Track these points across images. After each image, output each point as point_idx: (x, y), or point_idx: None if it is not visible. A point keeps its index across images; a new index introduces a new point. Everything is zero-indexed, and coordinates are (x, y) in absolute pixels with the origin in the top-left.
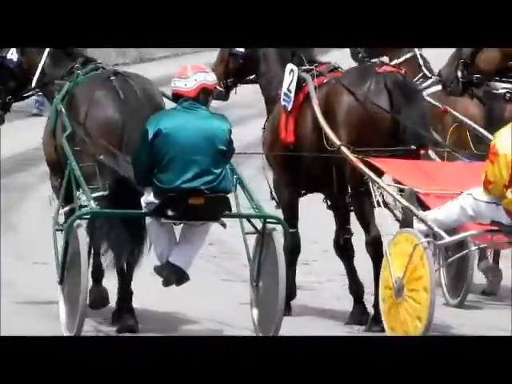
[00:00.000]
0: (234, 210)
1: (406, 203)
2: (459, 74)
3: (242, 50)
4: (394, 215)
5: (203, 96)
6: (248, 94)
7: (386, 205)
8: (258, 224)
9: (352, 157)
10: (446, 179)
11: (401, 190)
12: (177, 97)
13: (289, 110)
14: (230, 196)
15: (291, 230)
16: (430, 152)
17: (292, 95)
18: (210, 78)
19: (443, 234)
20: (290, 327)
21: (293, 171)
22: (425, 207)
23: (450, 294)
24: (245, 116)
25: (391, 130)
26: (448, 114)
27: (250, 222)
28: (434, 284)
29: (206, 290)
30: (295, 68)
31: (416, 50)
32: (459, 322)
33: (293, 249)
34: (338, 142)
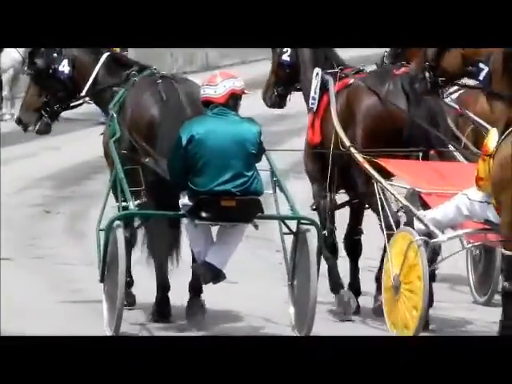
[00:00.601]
0: (273, 211)
1: (405, 202)
2: (426, 74)
3: (288, 59)
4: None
5: (232, 101)
6: None
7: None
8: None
9: (359, 157)
10: (453, 179)
11: None
12: (207, 103)
13: (314, 111)
14: (271, 197)
15: (326, 231)
16: (457, 154)
17: (317, 97)
18: (238, 84)
19: (438, 232)
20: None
21: (323, 172)
22: (427, 207)
23: (477, 292)
24: None
25: (408, 130)
26: (464, 116)
27: (284, 223)
28: (427, 274)
29: (274, 296)
30: (319, 71)
31: None
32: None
33: (332, 250)
34: (347, 143)
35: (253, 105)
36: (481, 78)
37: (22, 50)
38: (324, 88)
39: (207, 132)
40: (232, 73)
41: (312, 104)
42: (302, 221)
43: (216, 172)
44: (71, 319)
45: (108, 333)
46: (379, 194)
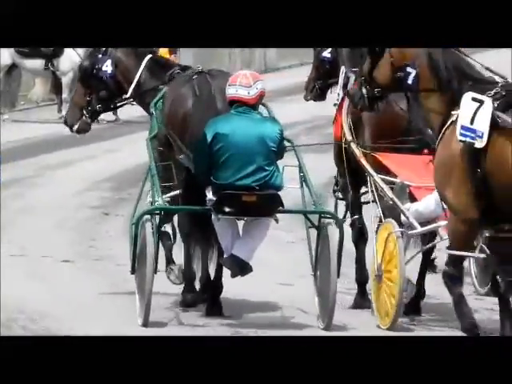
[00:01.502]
0: (300, 205)
1: (391, 195)
2: (363, 90)
3: (328, 55)
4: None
5: (259, 102)
6: None
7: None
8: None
9: (357, 151)
10: None
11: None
12: (235, 102)
13: (337, 107)
14: (296, 192)
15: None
16: None
17: (341, 93)
18: (264, 86)
19: (416, 224)
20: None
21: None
22: (416, 200)
23: (479, 283)
24: None
25: (408, 129)
26: None
27: (306, 217)
28: (403, 263)
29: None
30: (344, 69)
31: None
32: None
33: (359, 238)
34: (349, 138)
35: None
36: (409, 81)
37: (81, 52)
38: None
39: (231, 129)
40: (258, 74)
41: (337, 100)
42: (324, 215)
43: (237, 167)
44: (130, 319)
45: (139, 322)
46: (371, 187)
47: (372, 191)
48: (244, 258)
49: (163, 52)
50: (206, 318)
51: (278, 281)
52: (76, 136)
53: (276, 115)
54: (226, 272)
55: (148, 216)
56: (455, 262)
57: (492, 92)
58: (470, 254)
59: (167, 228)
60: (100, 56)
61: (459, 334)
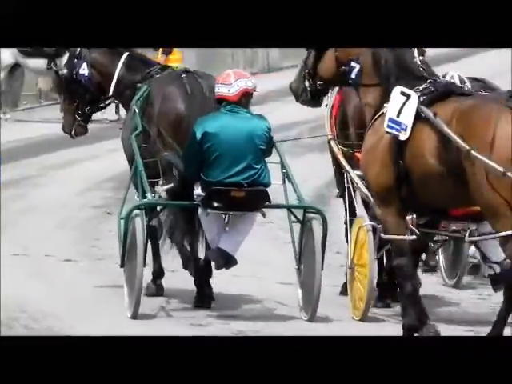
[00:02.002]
0: (282, 201)
1: (364, 191)
2: (306, 84)
3: None
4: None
5: (245, 99)
6: None
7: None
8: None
9: (336, 149)
10: None
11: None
12: (221, 101)
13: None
14: (280, 187)
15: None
16: None
17: (334, 94)
18: (250, 83)
19: None
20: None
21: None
22: None
23: (447, 276)
24: None
25: None
26: None
27: (291, 212)
28: (372, 255)
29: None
30: None
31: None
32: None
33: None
34: (329, 136)
35: None
36: (353, 75)
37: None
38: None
39: (220, 128)
40: (245, 73)
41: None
42: (308, 210)
43: (227, 165)
44: (132, 318)
45: (128, 314)
46: (347, 183)
47: (349, 187)
48: (230, 251)
49: (176, 52)
50: (209, 318)
51: (278, 280)
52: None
53: (280, 115)
54: (226, 272)
55: (137, 211)
56: (398, 251)
57: (420, 87)
58: (399, 237)
59: (154, 222)
60: (76, 61)
61: (459, 334)
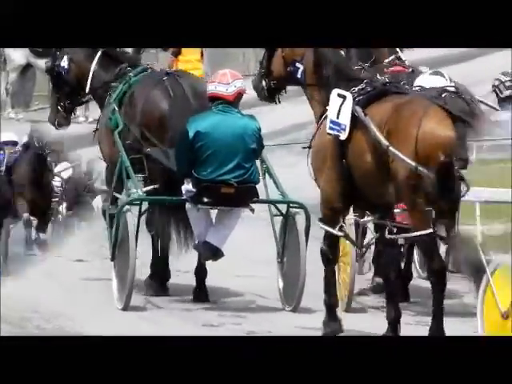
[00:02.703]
0: (263, 196)
1: None
2: (263, 82)
3: None
4: None
5: (237, 100)
6: None
7: None
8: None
9: None
10: None
11: None
12: (214, 99)
13: None
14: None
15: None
16: None
17: None
18: (243, 85)
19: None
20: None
21: None
22: None
23: (421, 269)
24: None
25: None
26: None
27: (275, 206)
28: (353, 248)
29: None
30: None
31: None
32: None
33: None
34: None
35: None
36: (298, 75)
37: None
38: None
39: (212, 127)
40: (238, 73)
41: None
42: (292, 204)
43: (218, 163)
44: (141, 318)
45: (119, 306)
46: None
47: None
48: (217, 244)
49: (189, 54)
50: (214, 317)
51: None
52: (91, 136)
53: (289, 115)
54: (229, 270)
55: (128, 206)
56: (328, 241)
57: (356, 88)
58: (332, 230)
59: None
60: (58, 53)
61: (459, 334)
